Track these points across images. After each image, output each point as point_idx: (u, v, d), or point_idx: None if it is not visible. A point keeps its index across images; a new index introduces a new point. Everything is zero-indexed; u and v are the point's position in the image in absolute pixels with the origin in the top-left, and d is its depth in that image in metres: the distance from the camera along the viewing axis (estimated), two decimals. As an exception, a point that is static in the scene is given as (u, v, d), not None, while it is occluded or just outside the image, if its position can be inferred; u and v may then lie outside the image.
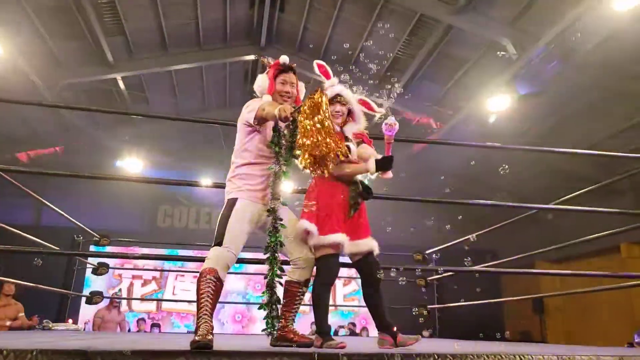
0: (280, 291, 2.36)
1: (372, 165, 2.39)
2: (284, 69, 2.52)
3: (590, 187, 3.93)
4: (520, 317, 10.74)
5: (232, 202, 2.33)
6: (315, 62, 2.70)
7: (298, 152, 2.28)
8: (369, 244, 2.46)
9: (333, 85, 2.63)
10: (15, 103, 3.57)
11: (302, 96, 2.60)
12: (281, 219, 2.34)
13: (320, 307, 2.41)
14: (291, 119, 2.23)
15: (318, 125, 2.13)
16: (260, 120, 2.33)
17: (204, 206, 10.91)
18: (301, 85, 2.62)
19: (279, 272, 2.34)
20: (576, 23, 5.46)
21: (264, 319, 2.31)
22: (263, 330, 2.33)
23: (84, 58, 7.88)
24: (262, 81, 2.52)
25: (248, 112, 2.38)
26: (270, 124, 2.39)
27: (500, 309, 11.33)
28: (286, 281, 2.42)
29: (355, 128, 2.62)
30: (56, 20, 6.87)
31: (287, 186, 2.51)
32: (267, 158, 2.40)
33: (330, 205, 2.41)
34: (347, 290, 10.74)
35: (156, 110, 9.93)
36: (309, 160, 2.20)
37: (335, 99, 2.58)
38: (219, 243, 2.21)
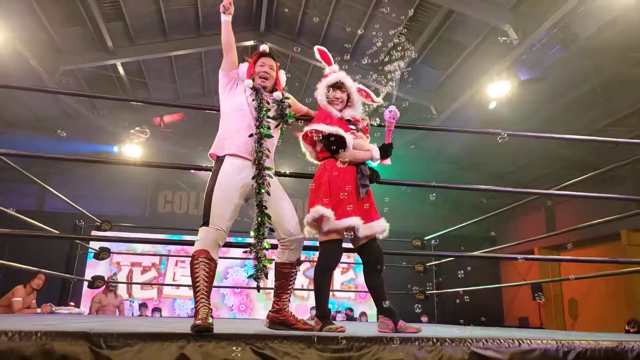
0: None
1: (376, 152, 2.54)
2: (263, 53, 2.60)
3: (590, 174, 3.92)
4: (519, 303, 10.84)
5: (219, 164, 2.32)
6: (316, 47, 2.72)
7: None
8: (382, 224, 2.49)
9: (335, 72, 2.65)
10: (16, 89, 3.56)
11: (282, 83, 2.62)
12: (265, 185, 2.31)
13: (321, 292, 2.43)
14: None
15: None
16: (225, 46, 2.48)
17: (204, 191, 10.93)
18: (282, 73, 2.66)
19: (267, 218, 2.30)
20: (578, 8, 5.41)
21: (252, 269, 2.29)
22: (250, 276, 2.30)
23: (83, 44, 7.84)
24: (244, 68, 2.61)
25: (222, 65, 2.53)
26: (241, 92, 2.47)
27: (500, 295, 11.43)
28: (276, 263, 2.42)
29: (352, 113, 2.65)
30: (55, 6, 6.83)
31: (271, 145, 2.46)
32: (246, 114, 2.42)
33: (342, 188, 2.43)
34: (344, 278, 10.81)
35: (156, 96, 9.90)
36: None
37: (336, 85, 2.60)
38: (207, 222, 2.21)
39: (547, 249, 9.72)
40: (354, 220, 2.37)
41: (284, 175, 3.12)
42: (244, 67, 2.57)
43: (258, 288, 2.32)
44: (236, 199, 2.29)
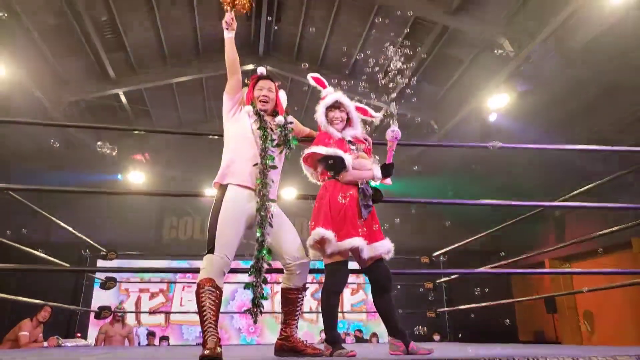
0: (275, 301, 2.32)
1: (377, 171, 2.50)
2: (260, 77, 2.62)
3: (596, 183, 3.88)
4: (533, 317, 10.63)
5: (222, 191, 2.31)
6: (310, 75, 2.76)
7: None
8: (386, 245, 2.44)
9: (331, 93, 2.67)
10: (22, 124, 3.61)
11: (283, 103, 2.63)
12: (268, 218, 2.29)
13: (329, 315, 2.38)
14: (232, 14, 2.52)
15: None
16: (230, 68, 2.48)
17: (208, 216, 10.94)
18: (281, 93, 2.66)
19: (266, 253, 2.27)
20: (572, 17, 5.45)
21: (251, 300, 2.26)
22: (246, 310, 2.28)
23: (86, 75, 7.98)
24: (243, 94, 2.62)
25: (224, 95, 2.53)
26: (245, 117, 2.47)
27: (512, 309, 11.24)
28: (282, 289, 2.39)
29: (353, 133, 2.66)
30: (58, 39, 6.97)
31: (275, 174, 2.45)
32: (251, 141, 2.42)
33: (344, 209, 2.40)
34: (354, 299, 10.68)
35: (159, 123, 10.00)
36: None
37: (334, 106, 2.62)
38: (211, 250, 2.19)
39: (559, 260, 9.59)
40: (356, 241, 2.34)
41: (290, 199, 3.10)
42: (242, 92, 2.58)
43: (255, 320, 2.28)
44: (241, 227, 2.28)
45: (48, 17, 6.55)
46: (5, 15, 5.69)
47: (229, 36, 2.51)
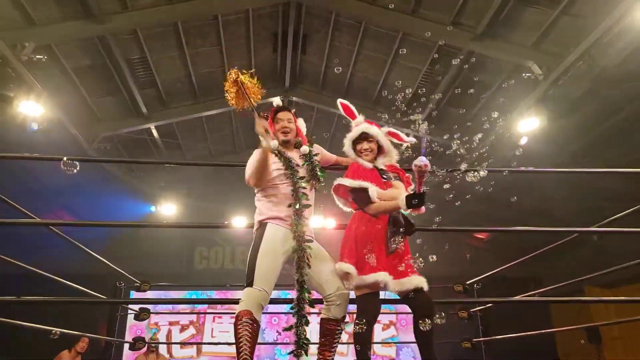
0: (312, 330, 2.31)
1: (402, 202, 2.32)
2: (277, 110, 2.62)
3: (636, 207, 3.75)
4: (574, 347, 10.13)
5: (262, 229, 2.35)
6: (339, 101, 2.74)
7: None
8: (413, 282, 2.34)
9: (358, 125, 2.65)
10: (57, 160, 3.76)
11: (303, 130, 2.65)
12: (305, 258, 2.31)
13: (361, 347, 2.34)
14: (267, 124, 2.39)
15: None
16: (257, 176, 2.39)
17: (239, 245, 10.99)
18: (300, 121, 2.68)
19: (307, 294, 2.30)
20: (602, 38, 5.37)
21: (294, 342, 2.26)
22: (289, 353, 2.28)
23: (120, 111, 8.30)
24: None
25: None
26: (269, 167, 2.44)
27: (552, 339, 10.74)
28: (322, 319, 2.37)
29: (386, 161, 2.62)
30: (93, 78, 7.32)
31: (313, 221, 2.51)
32: (282, 180, 2.44)
33: (370, 240, 2.35)
34: (385, 335, 10.45)
35: (189, 155, 10.26)
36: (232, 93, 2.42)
37: (362, 137, 2.61)
38: (250, 283, 2.21)
39: (598, 287, 9.17)
40: (380, 276, 2.27)
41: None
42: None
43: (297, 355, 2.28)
44: (279, 263, 2.32)
45: (84, 58, 6.90)
46: (46, 57, 6.01)
47: (266, 146, 2.33)
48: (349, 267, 2.30)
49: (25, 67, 5.87)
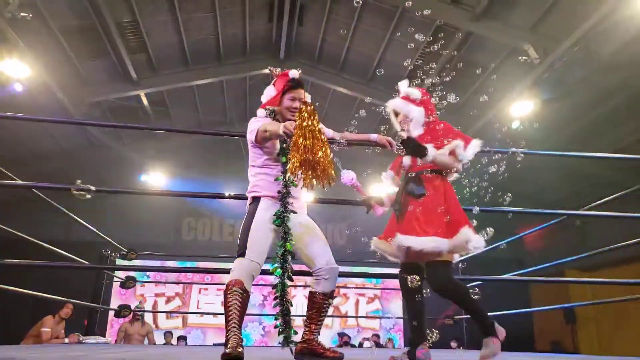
0: (297, 303, 2.33)
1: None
2: (293, 85, 2.43)
3: (620, 193, 3.82)
4: (550, 327, 10.45)
5: (256, 204, 2.34)
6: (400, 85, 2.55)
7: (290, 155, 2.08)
8: (412, 240, 2.16)
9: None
10: (44, 122, 3.68)
11: None
12: (289, 229, 2.31)
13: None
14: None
15: (314, 128, 2.00)
16: (263, 141, 2.32)
17: (227, 218, 10.99)
18: (308, 98, 2.58)
19: (288, 281, 2.31)
20: (599, 25, 5.35)
21: (278, 333, 2.30)
22: (280, 343, 2.31)
23: (108, 76, 8.09)
24: (269, 92, 2.50)
25: (249, 132, 2.38)
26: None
27: (530, 319, 11.05)
28: (310, 292, 2.38)
29: (417, 126, 2.46)
30: (81, 40, 7.08)
31: (305, 195, 2.49)
32: (276, 165, 2.40)
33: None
34: (370, 307, 10.68)
35: (179, 125, 10.10)
36: (297, 164, 1.97)
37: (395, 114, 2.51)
38: (242, 254, 2.21)
39: (578, 270, 9.40)
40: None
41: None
42: (270, 91, 2.51)
43: (286, 345, 2.29)
44: (271, 236, 2.31)
45: (72, 18, 6.67)
46: (31, 15, 5.77)
47: (278, 139, 2.29)
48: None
49: (9, 24, 5.65)
